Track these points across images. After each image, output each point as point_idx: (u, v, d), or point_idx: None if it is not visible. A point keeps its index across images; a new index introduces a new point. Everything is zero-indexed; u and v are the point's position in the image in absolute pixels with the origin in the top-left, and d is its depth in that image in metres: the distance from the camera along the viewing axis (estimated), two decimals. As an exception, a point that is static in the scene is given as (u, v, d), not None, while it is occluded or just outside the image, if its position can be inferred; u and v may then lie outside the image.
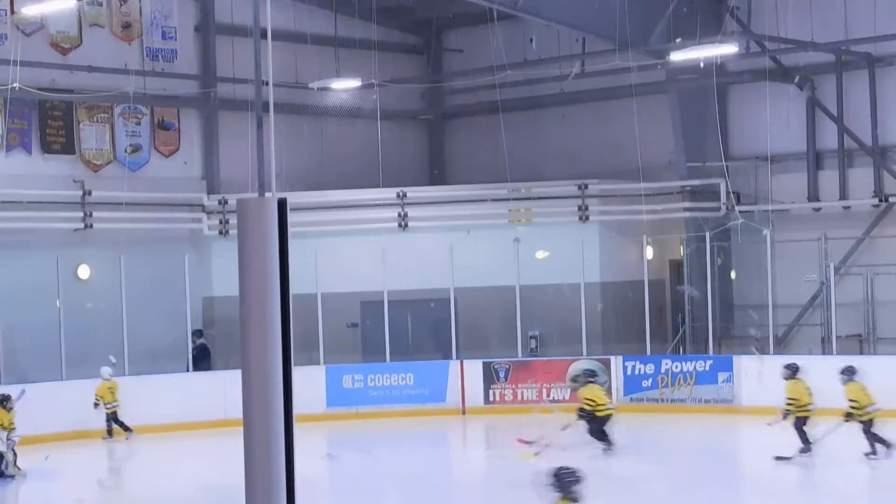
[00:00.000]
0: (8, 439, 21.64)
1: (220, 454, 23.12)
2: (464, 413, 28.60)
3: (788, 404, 21.21)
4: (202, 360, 28.96)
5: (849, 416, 20.85)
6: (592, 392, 22.79)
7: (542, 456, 20.73)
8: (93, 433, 25.65)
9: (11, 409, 21.81)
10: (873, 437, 20.90)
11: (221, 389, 24.98)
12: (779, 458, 20.89)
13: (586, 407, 22.50)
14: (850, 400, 20.87)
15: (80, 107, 29.40)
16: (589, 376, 23.66)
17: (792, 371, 21.60)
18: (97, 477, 23.67)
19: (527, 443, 22.15)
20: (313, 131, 32.38)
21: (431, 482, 21.67)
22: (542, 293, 29.32)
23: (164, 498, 20.56)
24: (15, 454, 21.70)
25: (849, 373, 21.13)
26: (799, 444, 21.06)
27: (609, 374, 28.10)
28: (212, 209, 30.90)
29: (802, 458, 20.93)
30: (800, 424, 21.14)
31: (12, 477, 21.53)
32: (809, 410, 21.14)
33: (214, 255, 30.55)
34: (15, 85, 26.25)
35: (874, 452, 20.85)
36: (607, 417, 22.55)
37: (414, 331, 30.50)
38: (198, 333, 29.13)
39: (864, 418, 20.80)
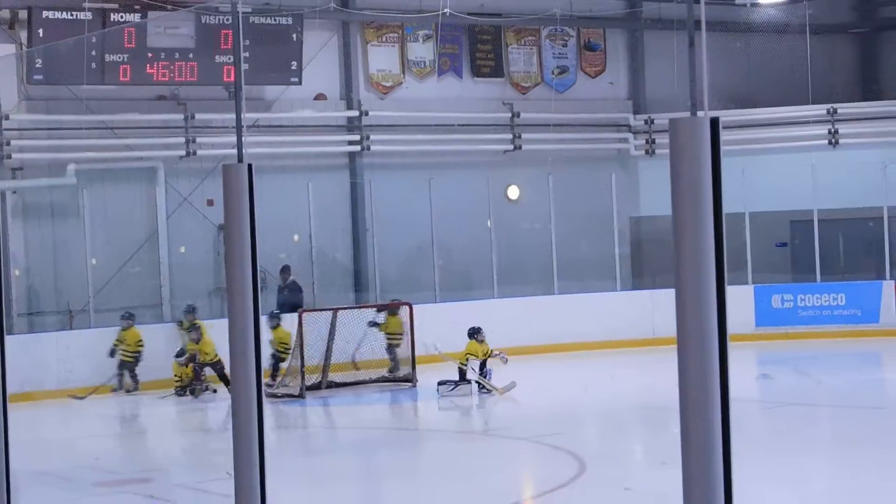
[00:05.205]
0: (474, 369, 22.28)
1: (648, 372, 23.28)
2: (900, 334, 27.74)
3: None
4: (292, 299, 25.90)
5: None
6: None
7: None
8: (524, 349, 26.29)
9: (483, 340, 22.37)
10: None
11: (649, 307, 25.11)
12: None
13: None
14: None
15: (509, 30, 29.94)
16: None
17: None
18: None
19: None
20: (741, 48, 31.86)
21: (869, 403, 21.08)
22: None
23: (598, 413, 20.88)
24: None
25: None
26: None
27: None
28: (638, 129, 31.03)
29: None
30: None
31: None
32: None
33: (641, 174, 30.69)
34: (446, 10, 27.03)
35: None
36: None
37: (845, 250, 29.80)
38: (287, 269, 26.42)
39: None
